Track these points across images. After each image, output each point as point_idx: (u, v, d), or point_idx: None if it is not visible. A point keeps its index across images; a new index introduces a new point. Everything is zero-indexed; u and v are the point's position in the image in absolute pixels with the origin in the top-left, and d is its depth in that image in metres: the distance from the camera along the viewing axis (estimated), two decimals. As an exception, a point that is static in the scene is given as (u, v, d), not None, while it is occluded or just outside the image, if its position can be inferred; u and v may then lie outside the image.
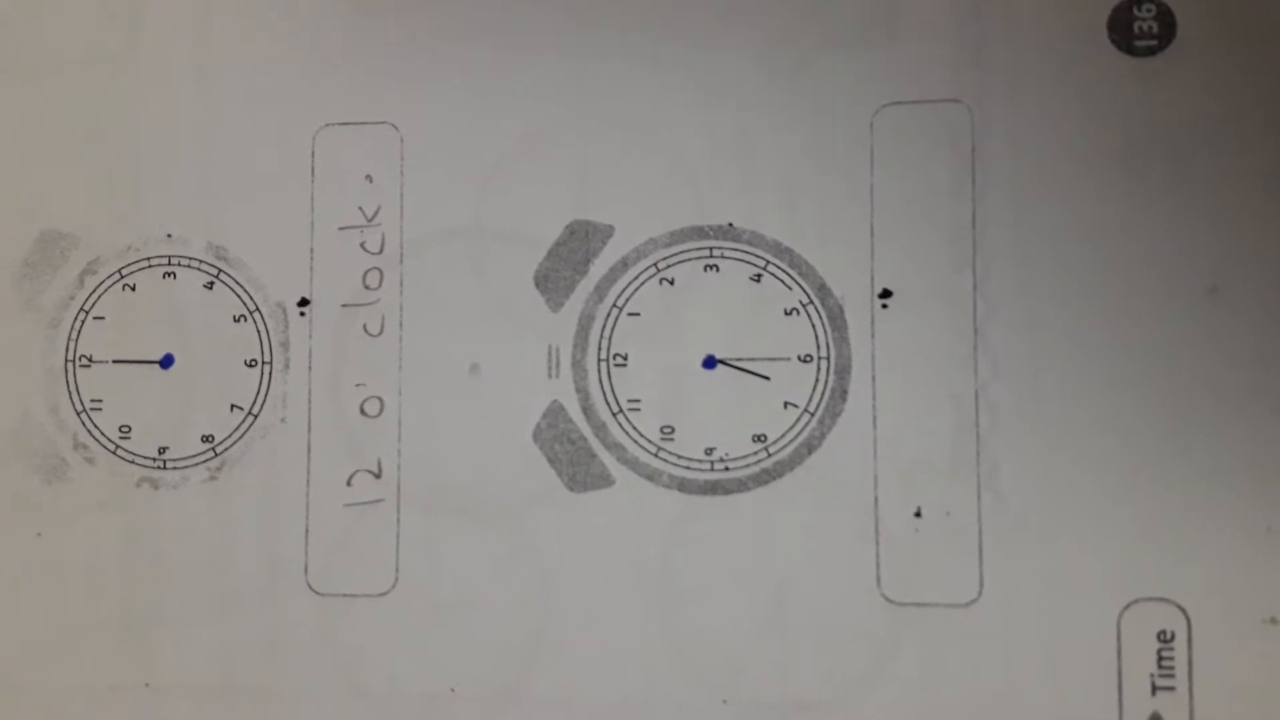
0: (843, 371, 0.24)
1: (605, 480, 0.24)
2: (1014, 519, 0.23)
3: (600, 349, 0.24)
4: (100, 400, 0.25)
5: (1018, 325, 0.23)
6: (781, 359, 0.24)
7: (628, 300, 0.24)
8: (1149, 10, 0.23)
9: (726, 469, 0.24)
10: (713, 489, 0.24)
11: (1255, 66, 0.23)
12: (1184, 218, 0.23)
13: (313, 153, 0.25)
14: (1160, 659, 0.22)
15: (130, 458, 0.25)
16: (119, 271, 0.25)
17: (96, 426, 0.25)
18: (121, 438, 0.25)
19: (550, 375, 0.24)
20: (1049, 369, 0.23)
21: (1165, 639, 0.22)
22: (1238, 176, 0.23)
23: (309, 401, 0.25)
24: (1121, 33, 0.23)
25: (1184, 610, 0.22)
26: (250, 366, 0.25)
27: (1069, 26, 0.23)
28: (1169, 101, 0.23)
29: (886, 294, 0.24)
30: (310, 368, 0.25)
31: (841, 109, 0.24)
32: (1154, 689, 0.22)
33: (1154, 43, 0.23)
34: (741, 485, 0.24)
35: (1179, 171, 0.23)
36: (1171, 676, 0.22)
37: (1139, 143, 0.23)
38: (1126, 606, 0.22)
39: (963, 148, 0.23)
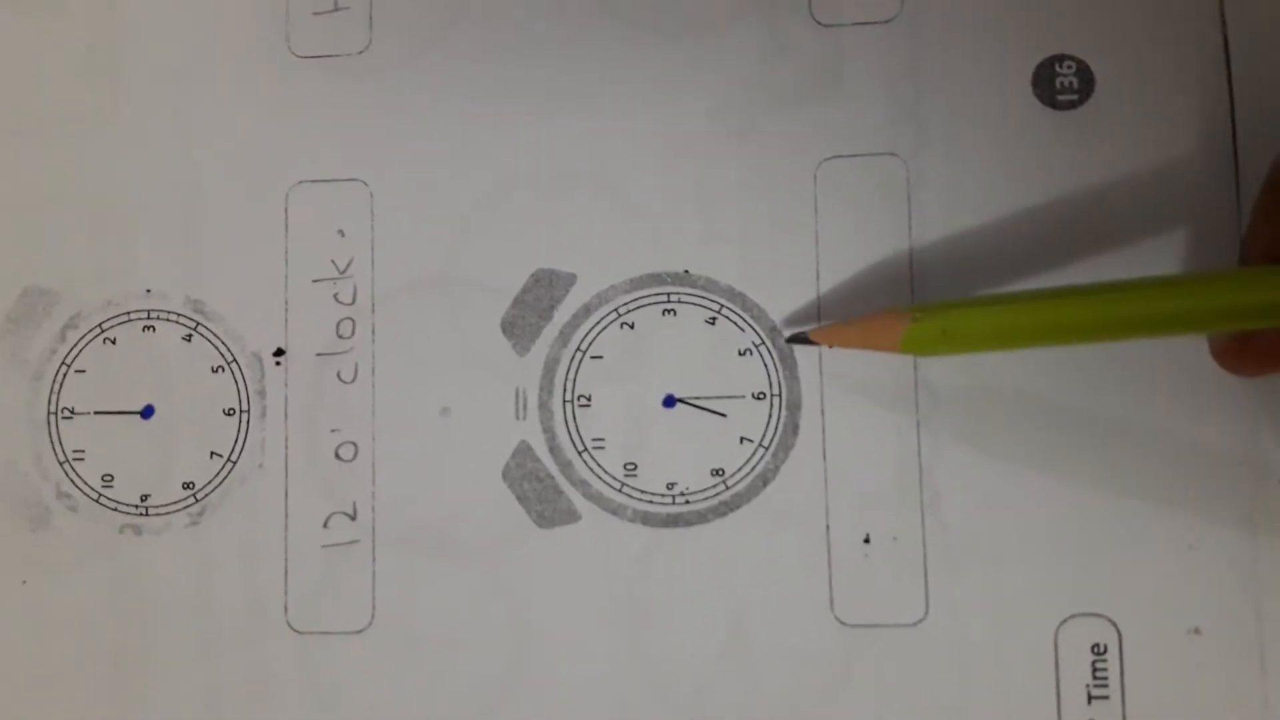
0: (794, 408, 0.25)
1: (572, 516, 0.25)
2: (956, 543, 0.24)
3: (565, 391, 0.25)
4: (82, 451, 0.26)
5: (954, 359, 0.24)
6: (737, 397, 0.25)
7: (591, 344, 0.25)
8: (1069, 67, 0.25)
9: (687, 502, 0.25)
10: (674, 522, 0.25)
11: (1166, 118, 0.24)
12: (1104, 260, 0.24)
13: (286, 209, 0.26)
14: (1095, 670, 0.23)
15: (113, 505, 0.26)
16: (99, 326, 0.26)
17: (80, 476, 0.26)
18: (104, 486, 0.26)
19: (518, 417, 0.25)
20: (985, 401, 0.24)
21: (1099, 651, 0.23)
22: (1153, 219, 0.24)
23: (286, 447, 0.26)
24: (1044, 88, 0.25)
25: (1115, 624, 0.23)
26: (229, 415, 0.26)
27: (996, 83, 0.25)
28: (1089, 150, 0.24)
29: (833, 334, 0.25)
30: (286, 415, 0.26)
31: (787, 163, 0.25)
32: (1089, 698, 0.23)
33: (1075, 97, 0.25)
34: (701, 517, 0.25)
35: (1099, 215, 0.24)
36: (1105, 686, 0.23)
37: (1062, 189, 0.24)
38: (1062, 622, 0.24)
39: (899, 197, 0.25)
